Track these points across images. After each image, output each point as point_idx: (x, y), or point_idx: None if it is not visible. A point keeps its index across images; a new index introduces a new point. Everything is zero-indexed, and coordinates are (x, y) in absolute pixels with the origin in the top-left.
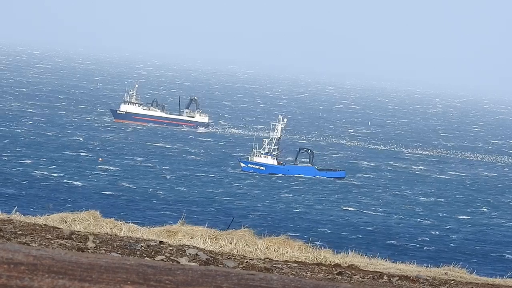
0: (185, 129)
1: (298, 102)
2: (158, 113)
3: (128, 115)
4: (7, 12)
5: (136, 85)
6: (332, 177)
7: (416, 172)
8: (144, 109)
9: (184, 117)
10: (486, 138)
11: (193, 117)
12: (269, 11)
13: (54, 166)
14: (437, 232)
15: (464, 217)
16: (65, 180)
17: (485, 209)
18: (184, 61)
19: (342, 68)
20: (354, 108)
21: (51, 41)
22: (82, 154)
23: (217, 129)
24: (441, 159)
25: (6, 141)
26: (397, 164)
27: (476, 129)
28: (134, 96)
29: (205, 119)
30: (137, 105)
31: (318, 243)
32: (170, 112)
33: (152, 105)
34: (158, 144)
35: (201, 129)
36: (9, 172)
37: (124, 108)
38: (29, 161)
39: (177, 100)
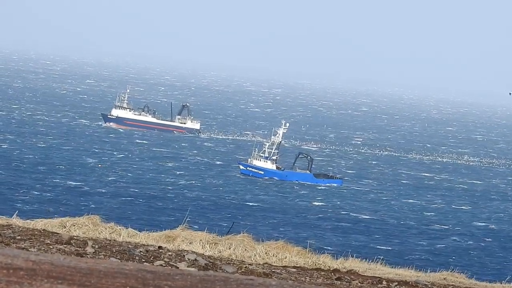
0: (177, 134)
1: (301, 106)
2: (149, 118)
3: (119, 120)
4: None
5: (128, 90)
6: (329, 185)
7: (417, 178)
8: (135, 114)
9: (175, 123)
10: (489, 143)
11: (184, 123)
12: (274, 14)
13: (53, 171)
14: (437, 237)
15: (463, 222)
16: (65, 185)
17: (485, 215)
18: (182, 66)
19: (346, 70)
20: (357, 114)
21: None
22: (80, 159)
23: (213, 134)
24: (444, 164)
25: (5, 146)
26: (398, 170)
27: (480, 135)
28: (126, 101)
29: (196, 125)
30: (128, 110)
31: (317, 248)
32: (161, 118)
33: (143, 110)
34: (155, 149)
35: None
36: (8, 176)
37: (115, 112)
38: (28, 165)
39: (170, 106)
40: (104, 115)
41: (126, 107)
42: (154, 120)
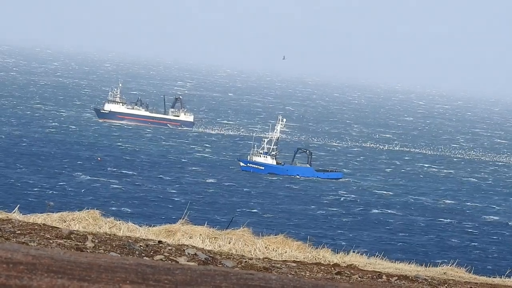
0: (171, 127)
1: (299, 103)
2: (142, 112)
3: (112, 114)
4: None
5: (120, 84)
6: (329, 178)
7: (416, 172)
8: (128, 108)
9: (169, 116)
10: (489, 138)
11: (178, 116)
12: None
13: (52, 165)
14: (436, 231)
15: (463, 216)
16: (64, 180)
17: (484, 209)
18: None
19: (344, 69)
20: (357, 108)
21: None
22: (79, 153)
23: (210, 127)
24: (443, 159)
25: (4, 141)
26: (401, 164)
27: (479, 130)
28: (118, 95)
29: (190, 118)
30: (121, 104)
31: (317, 242)
32: (154, 111)
33: (136, 104)
34: (153, 143)
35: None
36: (8, 170)
37: (108, 107)
38: (28, 159)
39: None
40: (97, 109)
41: (119, 101)
42: (147, 113)
